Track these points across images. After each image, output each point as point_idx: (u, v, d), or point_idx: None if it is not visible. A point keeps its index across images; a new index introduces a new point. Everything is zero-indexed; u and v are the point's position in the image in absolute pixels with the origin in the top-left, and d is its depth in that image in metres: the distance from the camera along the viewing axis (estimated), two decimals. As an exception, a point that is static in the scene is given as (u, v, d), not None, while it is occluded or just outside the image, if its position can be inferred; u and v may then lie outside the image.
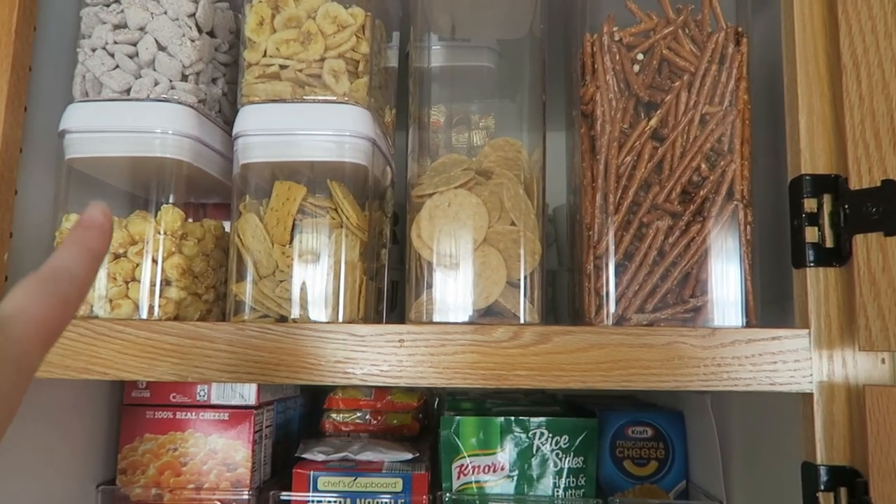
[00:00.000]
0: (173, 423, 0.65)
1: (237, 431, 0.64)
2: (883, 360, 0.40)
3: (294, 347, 0.43)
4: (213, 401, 0.65)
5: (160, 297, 0.48)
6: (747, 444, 0.59)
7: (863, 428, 0.38)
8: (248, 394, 0.65)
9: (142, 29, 0.50)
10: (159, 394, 0.65)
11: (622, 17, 0.48)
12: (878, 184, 0.38)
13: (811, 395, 0.41)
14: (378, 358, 0.43)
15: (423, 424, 0.78)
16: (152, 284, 0.47)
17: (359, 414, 0.77)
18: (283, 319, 0.46)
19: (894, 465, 0.36)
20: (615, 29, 0.47)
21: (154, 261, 0.48)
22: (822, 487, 0.40)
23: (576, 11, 0.50)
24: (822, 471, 0.40)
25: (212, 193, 0.57)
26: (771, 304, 0.49)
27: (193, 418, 0.65)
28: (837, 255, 0.41)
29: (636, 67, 0.47)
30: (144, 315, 0.47)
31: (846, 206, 0.40)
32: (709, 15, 0.47)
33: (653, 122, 0.45)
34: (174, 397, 0.65)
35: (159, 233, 0.48)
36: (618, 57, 0.46)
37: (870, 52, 0.39)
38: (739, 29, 0.47)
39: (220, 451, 0.64)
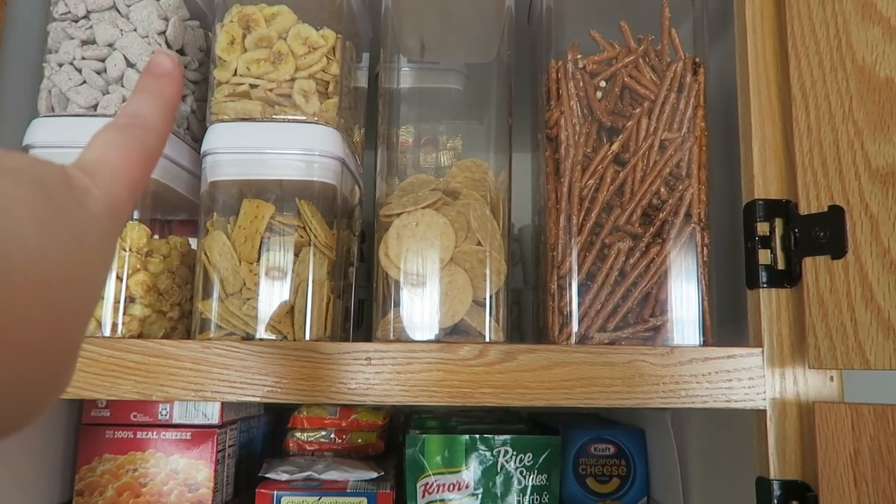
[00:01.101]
0: (133, 443, 0.64)
1: (199, 451, 0.63)
2: (832, 378, 0.42)
3: (260, 365, 0.43)
4: (176, 420, 0.64)
5: (124, 314, 0.47)
6: (705, 461, 0.61)
7: (813, 443, 0.40)
8: (211, 412, 0.64)
9: (110, 45, 0.49)
10: (119, 413, 0.64)
11: (586, 45, 0.50)
12: (826, 209, 0.40)
13: (764, 411, 0.42)
14: (345, 376, 0.43)
15: (388, 443, 0.78)
16: (116, 301, 0.47)
17: (323, 433, 0.77)
18: (249, 337, 0.46)
19: (842, 479, 0.38)
20: (579, 56, 0.49)
21: (118, 278, 0.47)
22: (776, 501, 0.41)
23: (541, 38, 0.52)
24: (775, 485, 0.41)
25: (178, 210, 0.57)
26: (727, 324, 0.50)
27: (154, 438, 0.64)
28: (788, 277, 0.43)
29: (599, 94, 0.48)
30: (108, 333, 0.47)
31: (796, 230, 0.42)
32: (668, 45, 0.49)
33: (614, 146, 0.47)
34: (135, 416, 0.64)
35: (124, 249, 0.48)
36: (581, 83, 0.48)
37: (817, 85, 0.41)
38: (697, 59, 0.49)
39: (181, 472, 0.63)
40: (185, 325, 0.53)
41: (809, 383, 0.42)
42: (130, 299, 0.48)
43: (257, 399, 0.43)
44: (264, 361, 0.43)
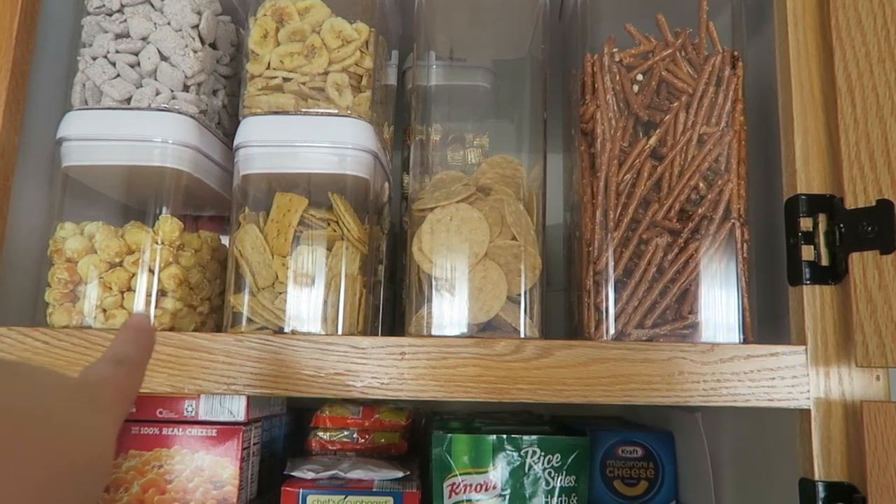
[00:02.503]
0: (159, 440, 0.63)
1: (225, 448, 0.63)
2: (878, 378, 0.41)
3: (294, 359, 0.43)
4: (201, 416, 0.64)
5: (156, 307, 0.47)
6: (738, 463, 0.60)
7: (860, 444, 0.39)
8: (236, 409, 0.64)
9: (144, 39, 0.49)
10: (145, 409, 0.64)
11: (622, 38, 0.49)
12: (873, 203, 0.39)
13: (808, 411, 0.41)
14: (379, 371, 0.42)
15: (410, 443, 0.77)
16: (148, 294, 0.47)
17: (346, 432, 0.76)
18: (280, 331, 0.46)
19: (892, 480, 0.37)
20: (615, 50, 0.48)
21: (151, 271, 0.47)
22: (821, 503, 0.40)
23: (576, 32, 0.52)
24: (820, 487, 0.40)
25: (208, 205, 0.57)
26: (766, 322, 0.49)
27: (180, 434, 0.63)
28: (833, 274, 0.42)
29: (635, 88, 0.48)
30: (139, 325, 0.46)
31: (841, 225, 0.41)
32: (706, 38, 0.48)
33: (652, 141, 0.46)
34: (161, 413, 0.64)
35: (157, 243, 0.48)
36: (618, 77, 0.47)
37: (864, 77, 0.40)
38: (735, 53, 0.48)
39: (206, 469, 0.63)
40: (215, 319, 0.53)
41: (855, 382, 0.41)
42: (162, 293, 0.48)
43: (292, 393, 0.43)
44: (298, 356, 0.43)
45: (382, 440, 0.76)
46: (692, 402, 0.41)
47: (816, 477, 0.40)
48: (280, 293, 0.46)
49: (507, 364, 0.42)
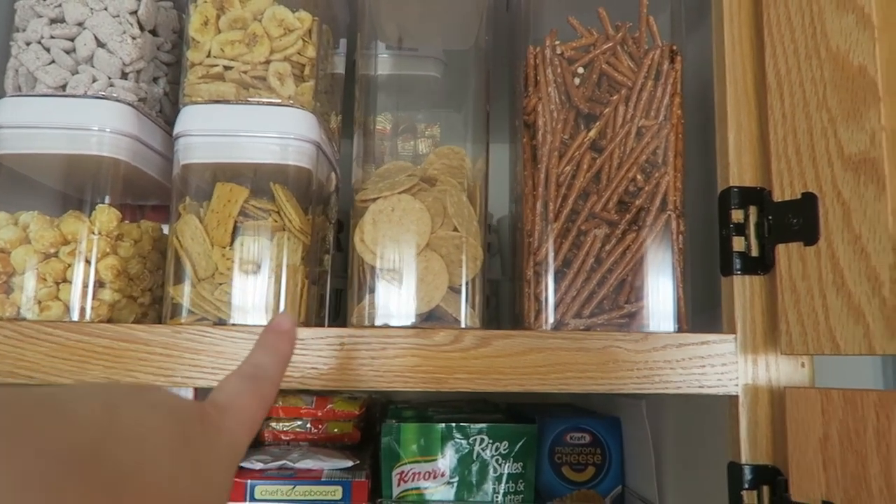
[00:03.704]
0: (104, 432, 0.62)
1: (172, 440, 0.62)
2: (803, 364, 0.43)
3: (232, 351, 0.42)
4: (148, 408, 0.63)
5: (93, 298, 0.46)
6: (679, 448, 0.61)
7: (783, 428, 0.40)
8: (184, 401, 0.63)
9: (80, 24, 0.48)
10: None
11: (564, 31, 0.50)
12: (799, 196, 0.40)
13: (737, 397, 0.42)
14: (318, 361, 0.42)
15: (364, 433, 0.78)
16: (84, 286, 0.46)
17: (299, 422, 0.76)
18: (221, 323, 0.45)
19: (810, 461, 0.38)
20: (557, 43, 0.49)
21: (87, 262, 0.46)
22: (747, 486, 0.41)
23: (520, 24, 0.52)
24: (747, 470, 0.42)
25: (150, 195, 0.56)
26: (704, 311, 0.51)
27: (126, 426, 0.62)
28: (762, 264, 0.43)
29: (577, 80, 0.48)
30: (76, 317, 0.46)
31: (770, 217, 0.42)
32: (646, 33, 0.49)
33: (592, 133, 0.47)
34: (106, 405, 0.63)
35: (93, 233, 0.47)
36: (559, 70, 0.48)
37: (792, 73, 0.42)
38: (674, 47, 0.49)
39: (153, 461, 0.62)
40: (157, 311, 0.52)
41: (781, 369, 0.43)
42: (100, 284, 0.47)
43: (229, 385, 0.42)
44: (237, 346, 0.42)
45: (336, 430, 0.76)
46: (625, 389, 0.42)
47: (743, 460, 0.42)
48: (220, 284, 0.46)
49: (446, 354, 0.42)
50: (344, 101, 0.63)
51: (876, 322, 0.36)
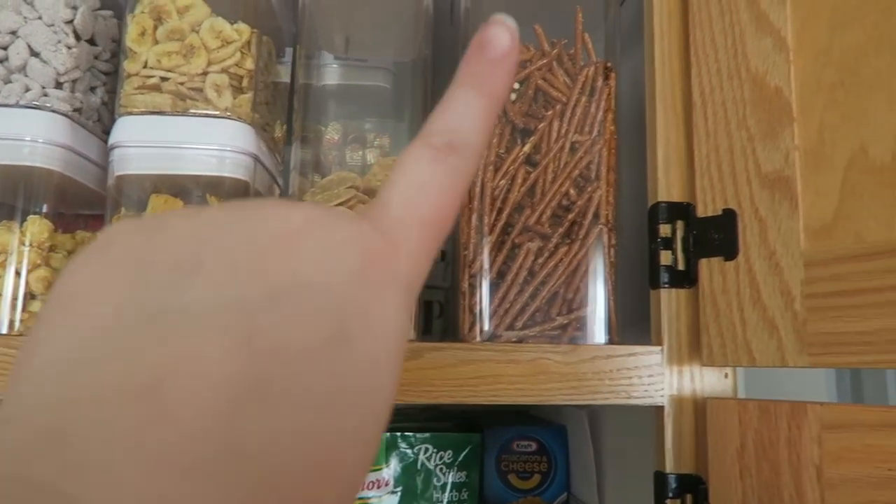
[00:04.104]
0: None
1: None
2: (726, 375, 0.44)
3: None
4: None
5: (23, 311, 0.46)
6: (619, 456, 0.62)
7: (706, 438, 0.41)
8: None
9: (13, 33, 0.48)
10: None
11: (502, 47, 0.50)
12: (720, 212, 0.42)
13: (663, 408, 0.43)
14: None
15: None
16: (14, 298, 0.45)
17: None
18: (154, 335, 0.45)
19: (729, 470, 0.39)
20: (494, 58, 0.49)
21: (17, 273, 0.46)
22: (671, 495, 0.42)
23: (460, 38, 0.52)
24: (671, 479, 0.43)
25: (88, 204, 0.55)
26: (638, 323, 0.52)
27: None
28: (688, 278, 0.44)
29: (513, 95, 0.49)
30: (4, 330, 0.45)
31: (694, 232, 0.43)
32: (581, 49, 0.50)
33: (526, 148, 0.47)
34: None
35: (24, 244, 0.46)
36: (495, 85, 0.49)
37: (715, 92, 0.43)
38: (608, 64, 0.50)
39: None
40: (94, 322, 0.52)
41: (705, 380, 0.44)
42: (31, 296, 0.46)
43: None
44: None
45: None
46: (555, 400, 0.43)
47: (668, 469, 0.43)
48: (154, 296, 0.46)
49: (378, 366, 0.43)
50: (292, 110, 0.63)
51: (788, 335, 0.37)
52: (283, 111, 0.61)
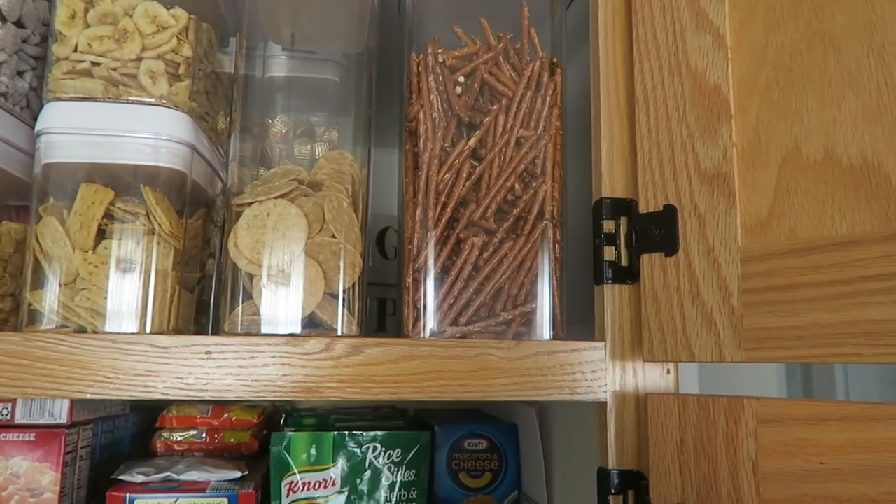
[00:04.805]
0: (-31, 446, 0.59)
1: (44, 452, 0.59)
2: (668, 371, 0.44)
3: (89, 360, 0.40)
4: (18, 419, 0.59)
5: (-59, 305, 0.43)
6: (568, 454, 0.62)
7: (647, 433, 0.41)
8: (58, 412, 0.60)
9: (-67, 12, 0.45)
10: (-46, 414, 0.59)
11: (450, 40, 0.50)
12: (661, 208, 0.42)
13: (605, 403, 0.43)
14: (183, 370, 0.41)
15: (263, 442, 0.76)
16: (-69, 292, 0.43)
17: (194, 432, 0.74)
18: (82, 331, 0.43)
19: (668, 465, 0.39)
20: (440, 51, 0.49)
21: (-65, 266, 0.43)
22: (613, 491, 0.42)
23: (405, 31, 0.52)
24: (614, 475, 0.43)
25: (15, 194, 0.53)
26: (585, 320, 0.52)
27: (-7, 440, 0.59)
28: (630, 274, 0.44)
29: (458, 89, 0.48)
30: (-80, 325, 0.42)
31: (637, 228, 0.43)
32: (528, 44, 0.50)
33: (472, 142, 0.47)
34: (-29, 417, 0.59)
35: (-57, 235, 0.44)
36: (441, 78, 0.48)
37: (657, 89, 0.43)
38: (554, 60, 0.50)
39: (23, 476, 0.59)
40: (20, 316, 0.49)
41: (648, 376, 0.44)
42: (-50, 290, 0.44)
43: (88, 395, 0.40)
44: (94, 356, 0.40)
45: (232, 439, 0.74)
46: (498, 397, 0.43)
47: (611, 466, 0.43)
48: (83, 290, 0.44)
49: (317, 362, 0.42)
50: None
51: (726, 331, 0.38)
52: (227, 102, 0.60)
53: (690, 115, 0.41)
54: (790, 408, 0.35)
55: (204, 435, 0.73)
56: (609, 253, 0.45)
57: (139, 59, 0.46)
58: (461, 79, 0.48)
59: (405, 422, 0.71)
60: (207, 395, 0.41)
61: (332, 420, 0.70)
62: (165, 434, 0.73)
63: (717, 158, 0.39)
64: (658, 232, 0.42)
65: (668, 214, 0.41)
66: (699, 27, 0.41)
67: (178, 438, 0.73)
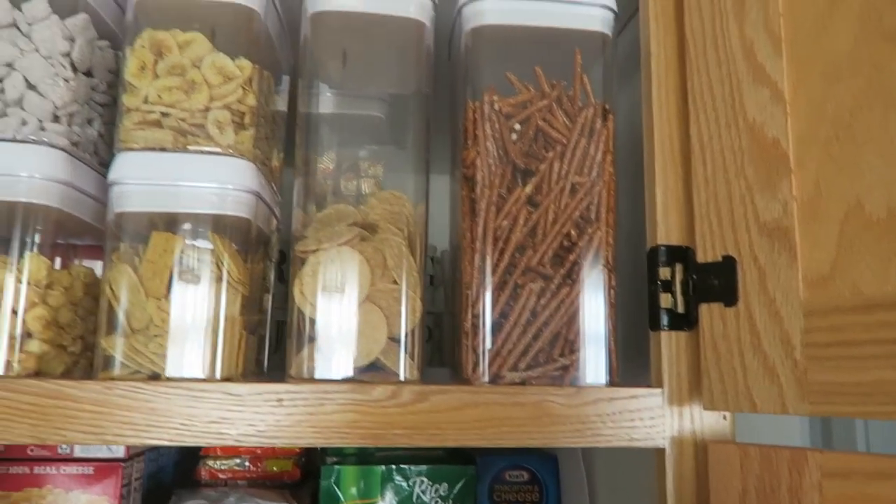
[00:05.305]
0: (30, 479, 0.60)
1: (103, 486, 0.61)
2: (725, 417, 0.45)
3: (166, 407, 0.42)
4: (77, 453, 0.61)
5: (20, 351, 0.45)
6: (612, 489, 0.63)
7: (707, 481, 0.42)
8: (116, 446, 0.62)
9: (9, 65, 0.47)
10: (15, 447, 0.61)
11: (503, 85, 0.51)
12: (720, 258, 0.43)
13: (664, 450, 0.44)
14: (255, 418, 0.42)
15: (304, 470, 0.77)
16: (11, 338, 0.44)
17: (237, 460, 0.75)
18: (155, 376, 0.45)
19: (731, 514, 0.40)
20: (495, 98, 0.50)
21: (14, 312, 0.45)
22: (672, 535, 0.43)
23: (460, 77, 0.53)
24: (672, 519, 0.43)
25: (82, 236, 0.54)
26: (632, 360, 0.53)
27: (53, 473, 0.60)
28: (687, 321, 0.45)
29: (514, 136, 0.50)
30: (1, 371, 0.44)
31: (694, 277, 0.44)
32: (580, 91, 0.51)
33: (528, 189, 0.48)
34: (32, 451, 0.61)
35: (21, 282, 0.45)
36: (497, 125, 0.49)
37: (714, 140, 0.44)
38: (606, 106, 0.51)
39: (81, 508, 0.60)
40: (89, 358, 0.51)
41: (705, 422, 0.45)
42: (27, 335, 0.45)
43: (164, 442, 0.42)
44: (170, 403, 0.42)
45: (275, 468, 0.75)
46: (559, 443, 0.44)
47: (669, 511, 0.44)
48: (155, 336, 0.45)
49: (384, 409, 0.43)
50: (286, 137, 0.62)
51: (789, 384, 0.38)
52: (280, 140, 0.61)
53: (749, 167, 0.42)
54: (855, 462, 0.36)
55: (247, 463, 0.75)
56: (665, 300, 0.46)
57: (207, 110, 0.48)
58: (517, 126, 0.49)
59: (444, 451, 0.73)
60: (279, 442, 0.42)
61: (372, 449, 0.72)
62: (210, 462, 0.74)
63: (778, 212, 0.40)
64: (717, 282, 0.42)
65: (727, 265, 0.42)
66: (756, 81, 0.42)
67: (223, 467, 0.74)
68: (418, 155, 0.54)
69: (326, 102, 0.59)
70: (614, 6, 0.51)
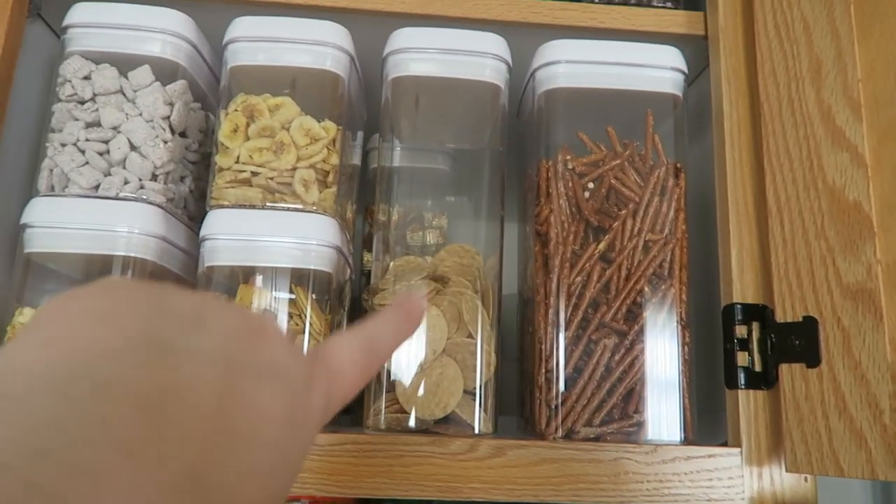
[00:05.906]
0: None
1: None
2: (806, 479, 0.44)
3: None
4: None
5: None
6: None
7: (789, 545, 0.41)
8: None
9: (115, 128, 0.51)
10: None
11: (574, 143, 0.53)
12: (800, 319, 0.43)
13: (743, 511, 0.44)
14: (335, 469, 0.43)
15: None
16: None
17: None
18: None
19: (818, 583, 0.39)
20: (568, 157, 0.51)
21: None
22: None
23: (532, 135, 0.55)
24: (754, 585, 0.43)
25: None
26: (704, 415, 0.52)
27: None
28: (765, 380, 0.45)
29: (587, 194, 0.51)
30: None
31: (772, 336, 0.44)
32: (651, 150, 0.52)
33: (601, 245, 0.49)
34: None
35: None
36: (570, 184, 0.51)
37: (791, 201, 0.44)
38: (678, 164, 0.52)
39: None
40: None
41: (786, 483, 0.44)
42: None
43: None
44: (257, 452, 0.43)
45: (335, 512, 0.76)
46: (636, 501, 0.43)
47: (750, 575, 0.43)
48: (241, 385, 0.47)
49: (462, 463, 0.44)
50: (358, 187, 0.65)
51: (878, 448, 0.38)
52: (354, 192, 0.64)
53: (829, 229, 0.42)
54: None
55: (308, 506, 0.76)
56: (742, 358, 0.46)
57: (294, 169, 0.50)
58: (590, 184, 0.51)
59: None
60: (359, 493, 0.43)
61: None
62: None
63: (861, 275, 0.40)
64: (798, 343, 0.42)
65: (809, 326, 0.42)
66: (835, 144, 0.43)
67: (286, 509, 0.75)
68: (491, 209, 0.56)
69: (396, 156, 0.61)
70: (685, 68, 0.53)
